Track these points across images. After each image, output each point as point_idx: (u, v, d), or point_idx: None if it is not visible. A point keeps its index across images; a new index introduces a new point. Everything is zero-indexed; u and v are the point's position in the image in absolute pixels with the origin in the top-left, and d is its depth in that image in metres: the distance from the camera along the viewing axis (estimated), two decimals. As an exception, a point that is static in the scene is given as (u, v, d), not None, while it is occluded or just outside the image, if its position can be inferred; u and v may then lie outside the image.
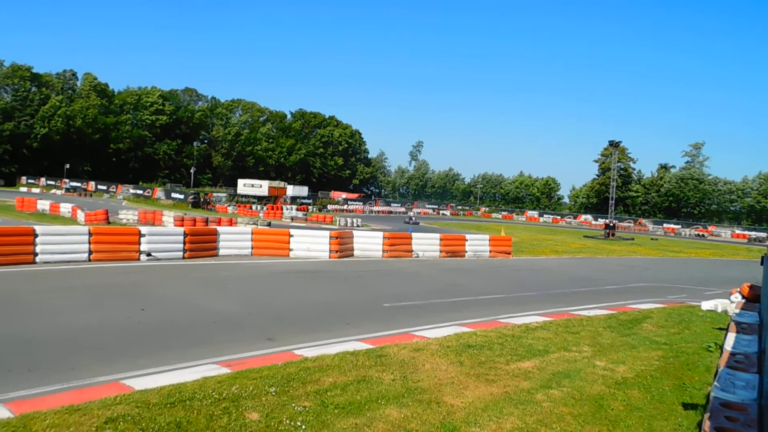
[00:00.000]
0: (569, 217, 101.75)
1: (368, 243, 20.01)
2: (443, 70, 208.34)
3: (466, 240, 22.55)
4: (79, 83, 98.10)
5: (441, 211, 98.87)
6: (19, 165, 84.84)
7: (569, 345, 8.76)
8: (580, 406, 6.12)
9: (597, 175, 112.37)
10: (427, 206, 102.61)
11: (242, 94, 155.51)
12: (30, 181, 79.68)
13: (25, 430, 4.72)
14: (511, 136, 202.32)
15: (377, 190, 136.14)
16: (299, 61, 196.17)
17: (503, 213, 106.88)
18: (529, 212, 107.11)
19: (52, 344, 7.59)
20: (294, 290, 13.18)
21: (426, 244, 21.21)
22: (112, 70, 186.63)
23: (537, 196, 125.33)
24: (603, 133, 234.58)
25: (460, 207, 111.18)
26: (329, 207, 79.03)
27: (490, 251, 22.77)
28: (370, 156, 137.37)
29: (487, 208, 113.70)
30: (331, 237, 18.49)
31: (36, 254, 13.91)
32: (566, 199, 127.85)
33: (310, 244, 18.35)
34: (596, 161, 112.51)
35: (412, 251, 20.42)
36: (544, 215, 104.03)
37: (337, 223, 47.23)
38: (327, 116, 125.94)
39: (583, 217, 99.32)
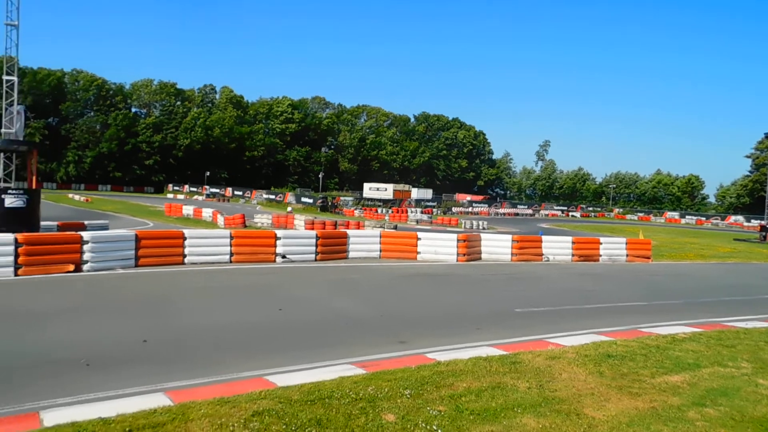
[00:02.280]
0: (716, 219, 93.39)
1: (496, 246, 19.59)
2: (569, 63, 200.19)
3: (601, 243, 21.37)
4: (217, 96, 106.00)
5: (570, 213, 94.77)
6: (166, 174, 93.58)
7: (724, 359, 7.96)
8: (742, 429, 5.52)
9: (749, 172, 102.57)
10: (555, 208, 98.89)
11: (367, 100, 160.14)
12: (175, 188, 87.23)
13: (184, 418, 5.09)
14: (646, 131, 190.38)
15: (502, 192, 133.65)
16: (422, 66, 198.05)
17: (639, 214, 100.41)
18: (669, 213, 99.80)
19: (201, 340, 8.18)
20: (423, 293, 13.21)
21: (557, 248, 20.37)
22: (246, 83, 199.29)
23: (677, 195, 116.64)
24: (756, 126, 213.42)
25: (590, 208, 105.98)
26: (454, 210, 78.69)
27: (627, 255, 21.39)
28: (494, 157, 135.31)
29: (621, 210, 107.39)
30: (458, 240, 18.35)
31: (185, 255, 15.12)
32: (712, 199, 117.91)
33: (437, 247, 18.33)
34: (749, 156, 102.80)
35: (542, 255, 19.72)
36: (686, 216, 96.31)
37: (463, 225, 46.88)
38: (450, 118, 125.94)
39: (732, 218, 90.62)
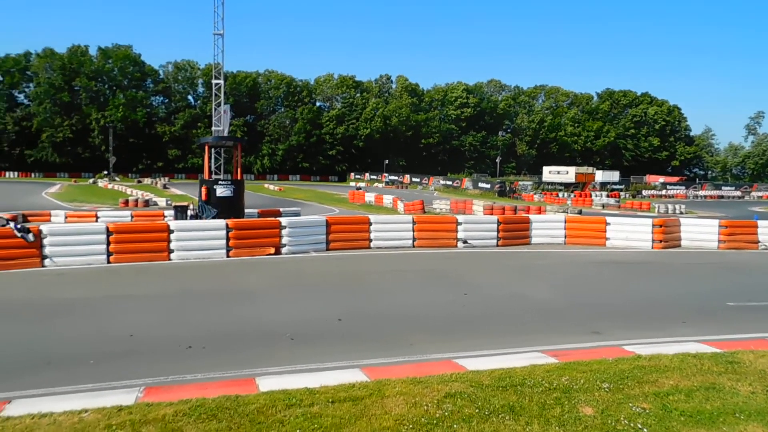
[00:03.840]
0: None
1: (699, 232, 17.62)
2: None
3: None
4: (393, 86, 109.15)
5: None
6: (349, 163, 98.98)
7: None
8: None
9: None
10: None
11: (545, 80, 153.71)
12: (357, 176, 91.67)
13: (380, 394, 5.31)
14: None
15: (702, 172, 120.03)
16: (604, 40, 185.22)
17: None
18: None
19: (390, 320, 8.50)
20: (615, 281, 12.40)
21: (776, 234, 17.77)
22: (421, 71, 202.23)
23: None
24: None
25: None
26: (644, 192, 72.64)
27: None
28: (692, 134, 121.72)
29: None
30: (654, 225, 16.86)
31: (371, 240, 15.81)
32: None
33: (629, 232, 17.03)
34: None
35: (758, 242, 17.36)
36: None
37: (656, 210, 43.16)
38: (639, 93, 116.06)
39: None
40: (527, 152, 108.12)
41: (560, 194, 57.69)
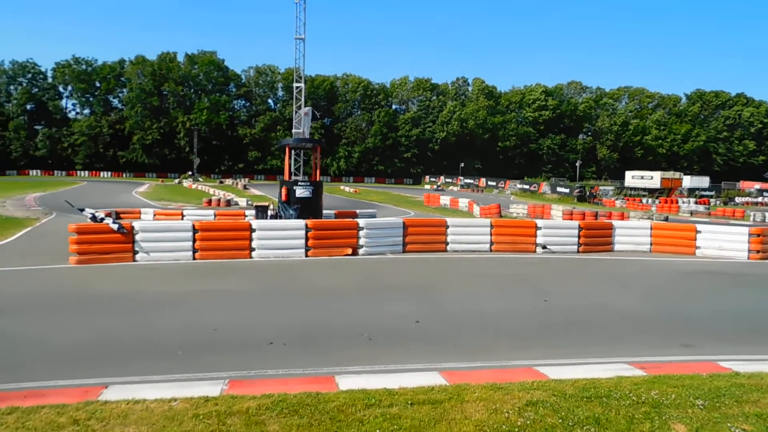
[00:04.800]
0: None
1: (803, 242, 16.36)
2: None
3: None
4: (469, 88, 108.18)
5: None
6: (424, 166, 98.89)
7: None
8: None
9: None
10: None
11: (629, 81, 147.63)
12: (431, 179, 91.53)
13: (460, 399, 5.24)
14: None
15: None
16: (693, 40, 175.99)
17: None
18: None
19: (468, 325, 8.39)
20: (707, 292, 11.71)
21: None
22: (498, 73, 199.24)
23: None
24: None
25: None
26: (737, 200, 68.26)
27: None
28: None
29: None
30: (751, 234, 15.78)
31: (447, 243, 15.68)
32: None
33: (722, 241, 16.02)
34: None
35: None
36: None
37: (750, 218, 40.46)
38: (733, 94, 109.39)
39: None
40: (608, 156, 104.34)
41: (644, 200, 55.24)
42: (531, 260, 14.86)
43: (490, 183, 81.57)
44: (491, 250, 15.73)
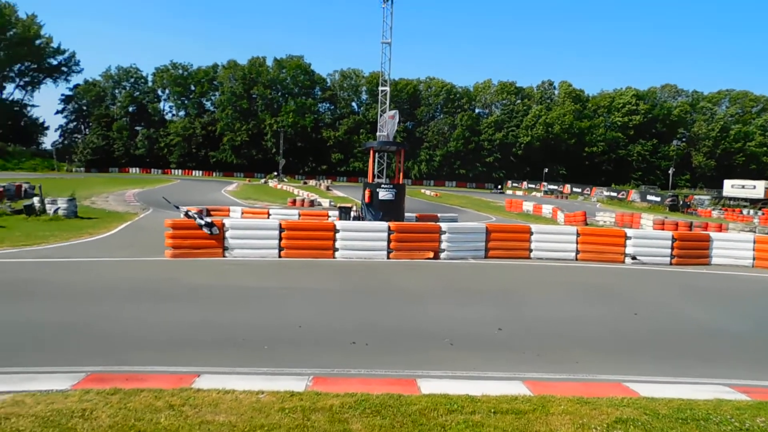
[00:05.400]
0: None
1: None
2: None
3: None
4: (555, 92, 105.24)
5: None
6: (506, 170, 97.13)
7: None
8: None
9: None
10: None
11: (731, 84, 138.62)
12: (514, 184, 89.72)
13: (545, 411, 5.11)
14: None
15: None
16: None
17: None
18: None
19: (553, 335, 8.12)
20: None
21: None
22: (586, 76, 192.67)
23: None
24: None
25: None
26: None
27: None
28: None
29: None
30: None
31: (531, 250, 15.32)
32: None
33: (839, 257, 14.77)
34: None
35: None
36: None
37: None
38: None
39: None
40: (705, 163, 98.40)
41: (744, 211, 51.66)
42: (619, 271, 14.25)
43: (575, 189, 78.93)
44: (577, 259, 15.23)
